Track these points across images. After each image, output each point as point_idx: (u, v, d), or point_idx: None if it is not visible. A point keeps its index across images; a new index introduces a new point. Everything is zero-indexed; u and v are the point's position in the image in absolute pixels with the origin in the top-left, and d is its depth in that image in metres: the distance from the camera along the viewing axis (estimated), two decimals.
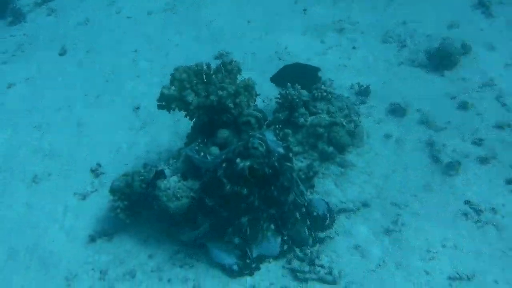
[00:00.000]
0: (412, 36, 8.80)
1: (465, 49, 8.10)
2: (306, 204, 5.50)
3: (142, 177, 5.77)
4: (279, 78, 8.27)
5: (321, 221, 5.60)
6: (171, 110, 6.25)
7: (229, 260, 5.28)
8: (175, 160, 6.05)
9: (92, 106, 8.50)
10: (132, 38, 10.46)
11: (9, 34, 10.98)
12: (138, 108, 8.27)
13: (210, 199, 5.03)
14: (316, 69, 8.34)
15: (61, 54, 10.13)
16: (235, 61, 6.29)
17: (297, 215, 5.37)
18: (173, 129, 7.72)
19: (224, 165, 4.96)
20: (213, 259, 5.42)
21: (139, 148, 7.45)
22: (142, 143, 7.54)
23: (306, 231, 5.42)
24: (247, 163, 4.83)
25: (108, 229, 6.05)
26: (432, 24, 9.11)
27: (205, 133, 6.31)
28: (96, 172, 7.04)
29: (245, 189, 4.92)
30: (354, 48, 8.93)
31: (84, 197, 6.66)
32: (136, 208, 5.90)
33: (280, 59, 8.94)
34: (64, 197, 6.68)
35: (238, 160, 4.86)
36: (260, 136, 4.98)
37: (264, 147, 4.87)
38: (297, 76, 7.97)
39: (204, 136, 6.21)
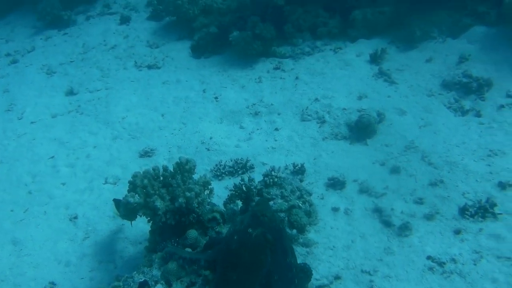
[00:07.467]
0: (329, 112, 9.35)
1: (381, 117, 8.86)
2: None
3: None
4: None
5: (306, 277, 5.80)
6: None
7: None
8: (148, 268, 5.94)
9: (22, 221, 8.08)
10: (43, 144, 10.11)
11: None
12: (75, 217, 7.98)
13: (233, 273, 4.99)
14: None
15: None
16: (191, 160, 6.41)
17: (290, 275, 5.41)
18: (120, 234, 7.53)
19: (235, 237, 5.08)
20: None
21: (90, 259, 7.18)
22: (91, 253, 7.27)
23: None
24: (259, 230, 5.01)
25: None
26: (343, 98, 9.71)
27: (168, 235, 6.28)
28: None
29: (263, 256, 4.99)
30: (276, 129, 9.29)
31: None
32: None
33: (208, 149, 9.07)
34: None
35: (250, 230, 5.02)
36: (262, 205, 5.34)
37: (271, 213, 5.21)
38: None
39: (171, 237, 6.17)
